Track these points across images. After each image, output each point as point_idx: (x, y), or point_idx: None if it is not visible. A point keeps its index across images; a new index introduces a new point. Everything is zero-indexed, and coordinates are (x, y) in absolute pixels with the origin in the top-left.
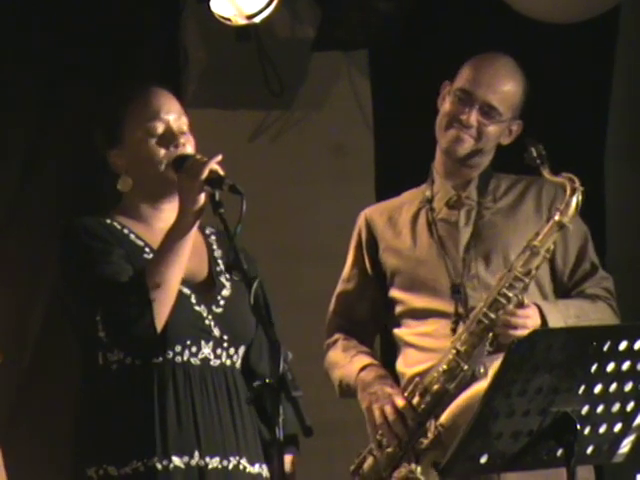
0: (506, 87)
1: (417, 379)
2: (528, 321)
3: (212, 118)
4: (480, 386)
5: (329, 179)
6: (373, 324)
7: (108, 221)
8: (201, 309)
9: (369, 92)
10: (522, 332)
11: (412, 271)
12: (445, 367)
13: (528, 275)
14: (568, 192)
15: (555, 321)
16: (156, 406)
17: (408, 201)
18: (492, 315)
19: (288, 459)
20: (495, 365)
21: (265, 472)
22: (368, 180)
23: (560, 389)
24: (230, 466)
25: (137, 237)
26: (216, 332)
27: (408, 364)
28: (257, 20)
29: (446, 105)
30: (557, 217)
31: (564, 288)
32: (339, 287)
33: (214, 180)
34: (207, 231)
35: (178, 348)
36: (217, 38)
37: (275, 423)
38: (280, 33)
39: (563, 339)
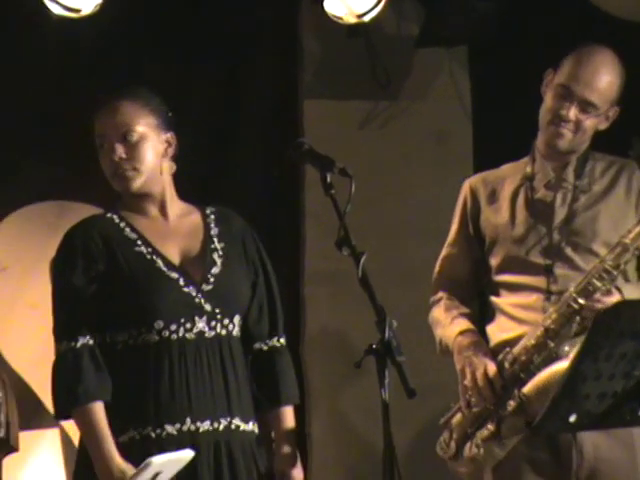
0: (604, 83)
1: (507, 349)
2: None
3: (325, 108)
4: (562, 365)
5: (431, 164)
6: (474, 284)
7: (108, 215)
8: (190, 290)
9: (468, 84)
10: None
11: (508, 249)
12: (533, 342)
13: (617, 269)
14: None
15: None
16: (151, 381)
17: (511, 175)
18: (581, 301)
19: (289, 411)
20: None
21: (257, 429)
22: (467, 164)
23: None
24: (220, 427)
25: (132, 230)
26: (207, 307)
27: (499, 330)
28: (366, 19)
29: (548, 99)
30: None
31: None
32: (444, 251)
33: (326, 164)
34: (207, 211)
35: (173, 327)
36: (330, 35)
37: (382, 385)
38: (387, 30)
39: None
